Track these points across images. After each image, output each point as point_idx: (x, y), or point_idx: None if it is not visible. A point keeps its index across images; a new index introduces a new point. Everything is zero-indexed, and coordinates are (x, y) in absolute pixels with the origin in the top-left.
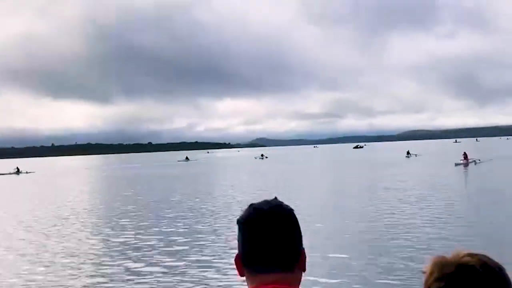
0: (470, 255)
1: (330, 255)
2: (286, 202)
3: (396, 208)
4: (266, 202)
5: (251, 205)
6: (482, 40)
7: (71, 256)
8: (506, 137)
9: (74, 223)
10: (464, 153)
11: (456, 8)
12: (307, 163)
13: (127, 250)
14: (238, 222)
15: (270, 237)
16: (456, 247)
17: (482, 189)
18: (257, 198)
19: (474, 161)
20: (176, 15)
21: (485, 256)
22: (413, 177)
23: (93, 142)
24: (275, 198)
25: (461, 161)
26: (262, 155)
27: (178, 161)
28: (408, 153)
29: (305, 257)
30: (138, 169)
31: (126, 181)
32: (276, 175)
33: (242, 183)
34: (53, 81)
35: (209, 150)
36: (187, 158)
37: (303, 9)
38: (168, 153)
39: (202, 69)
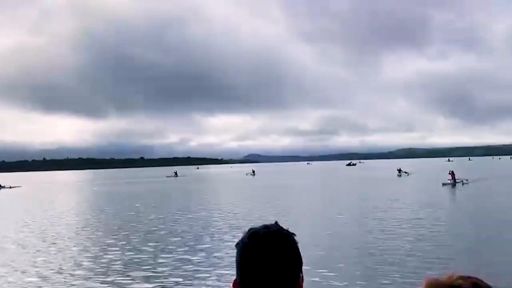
0: (463, 278)
1: (315, 277)
2: (272, 220)
3: (383, 229)
4: (264, 226)
5: (250, 229)
6: (474, 61)
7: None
8: (498, 157)
9: (46, 241)
10: (452, 172)
11: (448, 28)
12: (298, 180)
13: (110, 267)
14: (236, 245)
15: (264, 263)
16: (447, 269)
17: (468, 210)
18: (242, 218)
19: (462, 181)
20: (168, 30)
21: (477, 279)
22: (401, 196)
23: (84, 157)
24: (276, 222)
25: (449, 181)
26: (253, 171)
27: (167, 176)
28: (399, 171)
29: (302, 284)
30: (128, 185)
31: (111, 197)
32: (266, 191)
33: (229, 201)
34: (44, 95)
35: (199, 166)
36: (175, 173)
37: (295, 26)
38: (160, 169)
39: (195, 84)
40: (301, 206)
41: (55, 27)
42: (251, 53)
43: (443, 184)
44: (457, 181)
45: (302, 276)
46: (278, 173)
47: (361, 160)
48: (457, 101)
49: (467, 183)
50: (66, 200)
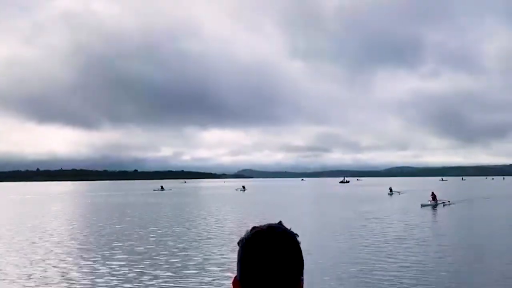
0: None
1: None
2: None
3: (358, 245)
4: (268, 226)
5: (253, 227)
6: (466, 80)
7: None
8: (492, 177)
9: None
10: (432, 193)
11: (440, 48)
12: (288, 197)
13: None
14: (238, 243)
15: (266, 262)
16: None
17: (439, 232)
18: (218, 231)
19: (443, 202)
20: (163, 44)
21: None
22: (382, 215)
23: (78, 168)
24: (280, 222)
25: (429, 202)
26: (243, 186)
27: (154, 190)
28: (390, 190)
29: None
30: (114, 197)
31: (100, 208)
32: (254, 207)
33: (212, 215)
34: (37, 105)
35: (186, 180)
36: (162, 187)
37: (289, 43)
38: (153, 182)
39: (188, 99)
40: (286, 223)
41: (48, 39)
42: (245, 68)
43: (422, 206)
44: (438, 202)
45: (303, 279)
46: (270, 189)
47: (359, 178)
48: (450, 120)
49: (448, 204)
50: (54, 211)
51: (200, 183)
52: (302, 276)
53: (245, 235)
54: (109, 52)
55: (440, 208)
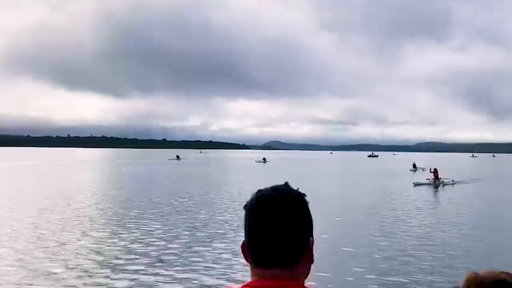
0: (505, 272)
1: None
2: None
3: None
4: (272, 188)
5: (258, 191)
6: (496, 56)
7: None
8: None
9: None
10: (435, 170)
11: (470, 22)
12: (311, 170)
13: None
14: (244, 207)
15: (271, 226)
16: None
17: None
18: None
19: (443, 181)
20: (190, 13)
21: None
22: (383, 192)
23: (108, 136)
24: (286, 183)
25: (427, 180)
26: (264, 158)
27: (169, 159)
28: (414, 166)
29: (312, 249)
30: (134, 165)
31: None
32: (266, 180)
33: (213, 188)
34: (67, 72)
35: (202, 150)
36: (177, 157)
37: (316, 14)
38: (182, 151)
39: (215, 69)
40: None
41: (75, 6)
42: (272, 40)
43: (415, 184)
44: (441, 181)
45: (313, 240)
46: (294, 162)
47: (395, 153)
48: (480, 96)
49: (451, 184)
50: (71, 178)
51: (218, 153)
52: (311, 237)
53: (250, 198)
54: (137, 21)
55: (440, 188)
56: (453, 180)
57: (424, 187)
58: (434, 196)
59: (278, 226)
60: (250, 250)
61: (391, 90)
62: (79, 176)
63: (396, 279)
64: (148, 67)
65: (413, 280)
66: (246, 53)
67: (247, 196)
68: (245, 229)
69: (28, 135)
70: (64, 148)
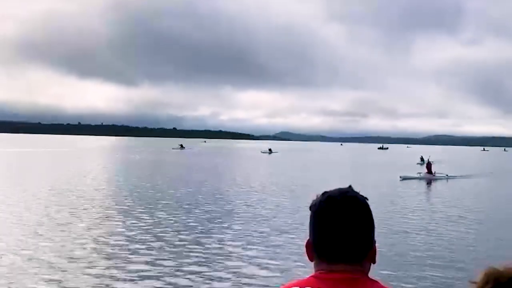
0: None
1: None
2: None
3: None
4: (339, 190)
5: (325, 192)
6: (508, 49)
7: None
8: None
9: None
10: (428, 163)
11: (481, 14)
12: (315, 162)
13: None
14: (310, 208)
15: (341, 229)
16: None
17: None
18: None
19: (432, 177)
20: (201, 2)
21: None
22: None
23: (119, 124)
24: (350, 186)
25: (418, 174)
26: (269, 149)
27: (173, 148)
28: (421, 159)
29: (376, 250)
30: (141, 153)
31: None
32: (265, 173)
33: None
34: (78, 60)
35: (206, 140)
36: (181, 146)
37: (326, 5)
38: (191, 140)
39: (225, 59)
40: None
41: None
42: (282, 30)
43: (402, 178)
44: (434, 175)
45: (375, 241)
46: (302, 153)
47: (409, 145)
48: (491, 89)
49: (446, 179)
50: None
51: (223, 143)
52: (374, 238)
53: (316, 199)
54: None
55: (431, 183)
56: (447, 175)
57: (415, 181)
58: (425, 191)
59: (350, 226)
60: (318, 247)
61: (402, 82)
62: (85, 164)
63: (406, 274)
64: (158, 56)
65: (424, 276)
66: (255, 43)
67: (236, 193)
68: (313, 228)
69: (39, 122)
70: (75, 135)
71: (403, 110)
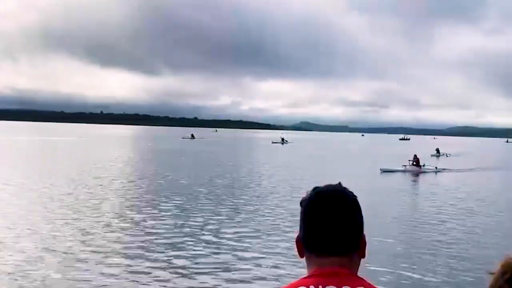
0: None
1: None
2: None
3: None
4: (329, 186)
5: (315, 188)
6: None
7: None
8: None
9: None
10: (414, 156)
11: (504, 4)
12: (331, 153)
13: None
14: (300, 204)
15: (329, 222)
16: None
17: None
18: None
19: (422, 166)
20: None
21: None
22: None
23: (141, 113)
24: (339, 183)
25: (403, 167)
26: (282, 139)
27: (183, 138)
28: (437, 151)
29: (365, 244)
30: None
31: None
32: (269, 167)
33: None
34: (100, 50)
35: (217, 129)
36: (192, 135)
37: None
38: (207, 130)
39: (245, 49)
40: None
41: None
42: (302, 20)
43: (382, 171)
44: (422, 167)
45: (364, 235)
46: (319, 143)
47: (436, 137)
48: None
49: (435, 171)
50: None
51: (235, 133)
52: (363, 233)
53: (307, 195)
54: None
55: (420, 175)
56: (436, 168)
57: (398, 174)
58: (412, 184)
59: (339, 221)
60: (309, 241)
61: (423, 73)
62: (107, 152)
63: (418, 266)
64: (178, 46)
65: (439, 266)
66: (275, 33)
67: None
68: (303, 223)
69: (62, 111)
70: (97, 124)
71: (424, 101)
